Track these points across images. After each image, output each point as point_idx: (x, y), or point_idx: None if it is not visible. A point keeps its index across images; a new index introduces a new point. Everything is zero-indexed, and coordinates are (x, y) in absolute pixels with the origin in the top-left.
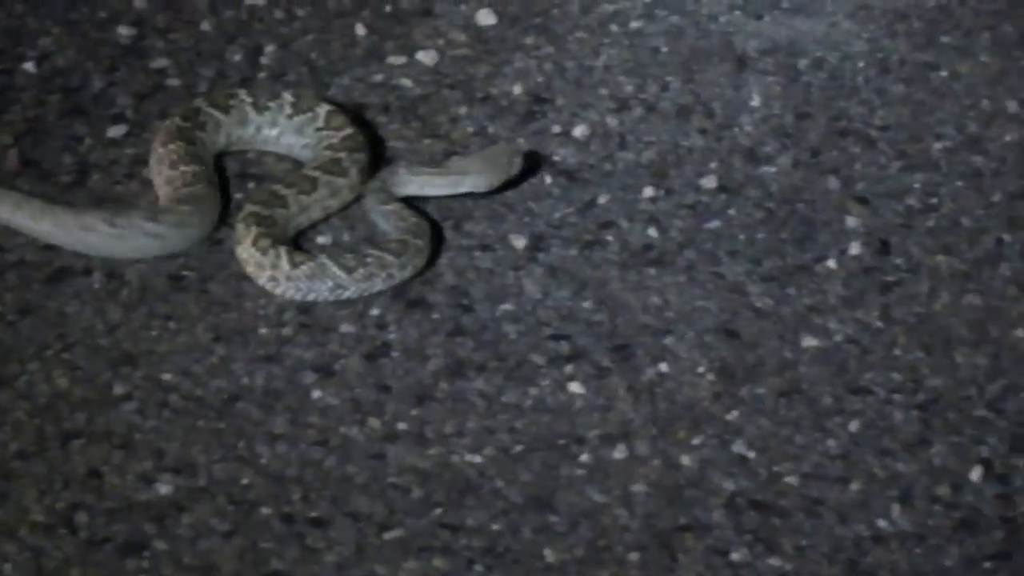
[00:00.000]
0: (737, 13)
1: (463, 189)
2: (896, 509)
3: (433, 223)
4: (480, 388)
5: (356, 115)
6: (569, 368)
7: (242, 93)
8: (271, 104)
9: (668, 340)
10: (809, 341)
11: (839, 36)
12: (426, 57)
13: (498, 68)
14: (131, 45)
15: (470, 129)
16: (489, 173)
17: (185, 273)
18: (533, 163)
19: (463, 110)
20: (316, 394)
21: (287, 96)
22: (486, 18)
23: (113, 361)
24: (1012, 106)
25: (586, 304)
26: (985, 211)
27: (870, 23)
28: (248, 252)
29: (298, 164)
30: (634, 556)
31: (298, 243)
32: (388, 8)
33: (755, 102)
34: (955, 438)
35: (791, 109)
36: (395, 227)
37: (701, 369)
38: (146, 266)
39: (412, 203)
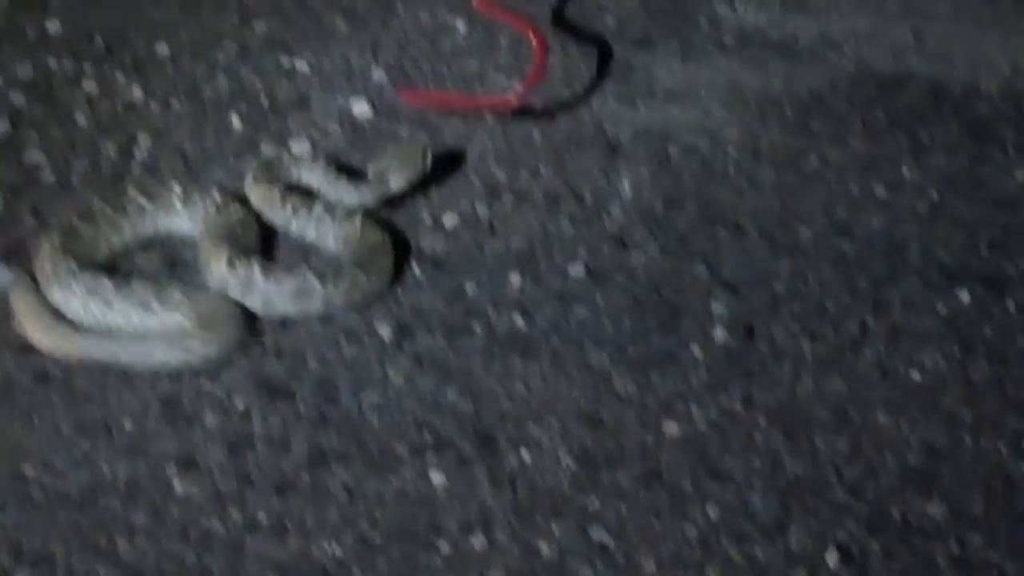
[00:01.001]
0: (611, 101)
1: (387, 189)
2: None
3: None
4: (342, 478)
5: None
6: (432, 457)
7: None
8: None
9: (531, 428)
10: (671, 427)
11: (712, 123)
12: (298, 147)
13: (371, 157)
14: (5, 140)
15: None
16: (406, 170)
17: (50, 369)
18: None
19: None
20: (178, 486)
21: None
22: (361, 110)
23: None
24: (880, 191)
25: (451, 393)
26: (851, 296)
27: (742, 111)
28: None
29: None
30: None
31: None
32: (263, 100)
33: (625, 189)
34: (813, 522)
35: (661, 196)
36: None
37: (563, 456)
38: (11, 361)
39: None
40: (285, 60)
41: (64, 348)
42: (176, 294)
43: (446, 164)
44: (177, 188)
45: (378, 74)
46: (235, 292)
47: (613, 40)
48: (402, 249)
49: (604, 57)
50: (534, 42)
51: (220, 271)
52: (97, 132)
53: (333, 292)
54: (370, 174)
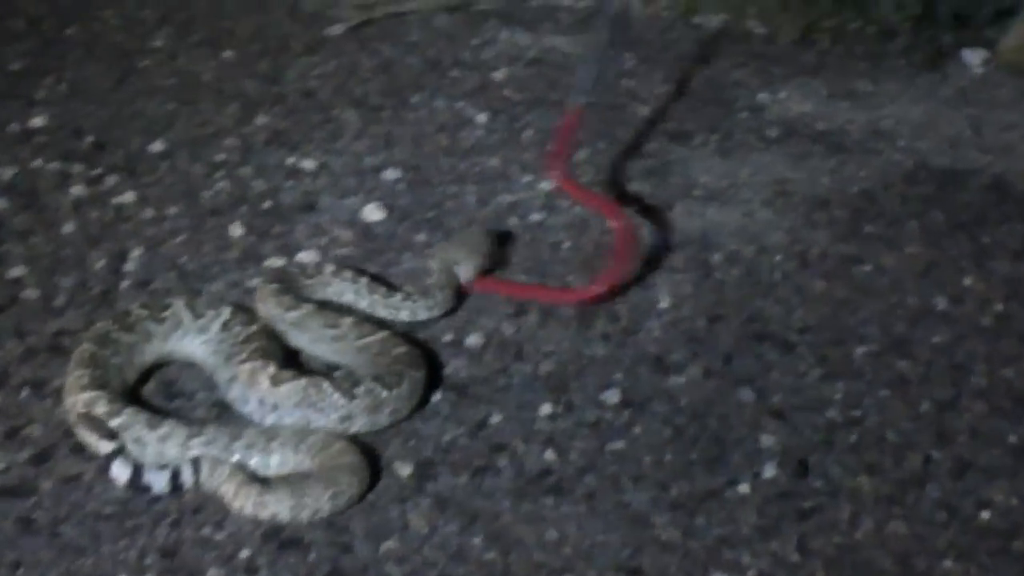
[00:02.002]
0: (646, 203)
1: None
2: None
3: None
4: None
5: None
6: None
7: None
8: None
9: None
10: None
11: (755, 227)
12: (308, 258)
13: (385, 269)
14: None
15: None
16: (475, 256)
17: (36, 515)
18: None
19: None
20: None
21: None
22: (373, 214)
23: None
24: (941, 303)
25: (476, 540)
26: (912, 424)
27: (789, 212)
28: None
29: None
30: None
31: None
32: (267, 205)
33: (663, 303)
34: None
35: (702, 310)
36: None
37: None
38: None
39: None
40: (290, 158)
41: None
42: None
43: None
44: (182, 305)
45: (392, 173)
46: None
47: (647, 132)
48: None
49: (637, 152)
50: (617, 229)
51: (262, 389)
52: (85, 242)
53: (354, 407)
54: (435, 268)
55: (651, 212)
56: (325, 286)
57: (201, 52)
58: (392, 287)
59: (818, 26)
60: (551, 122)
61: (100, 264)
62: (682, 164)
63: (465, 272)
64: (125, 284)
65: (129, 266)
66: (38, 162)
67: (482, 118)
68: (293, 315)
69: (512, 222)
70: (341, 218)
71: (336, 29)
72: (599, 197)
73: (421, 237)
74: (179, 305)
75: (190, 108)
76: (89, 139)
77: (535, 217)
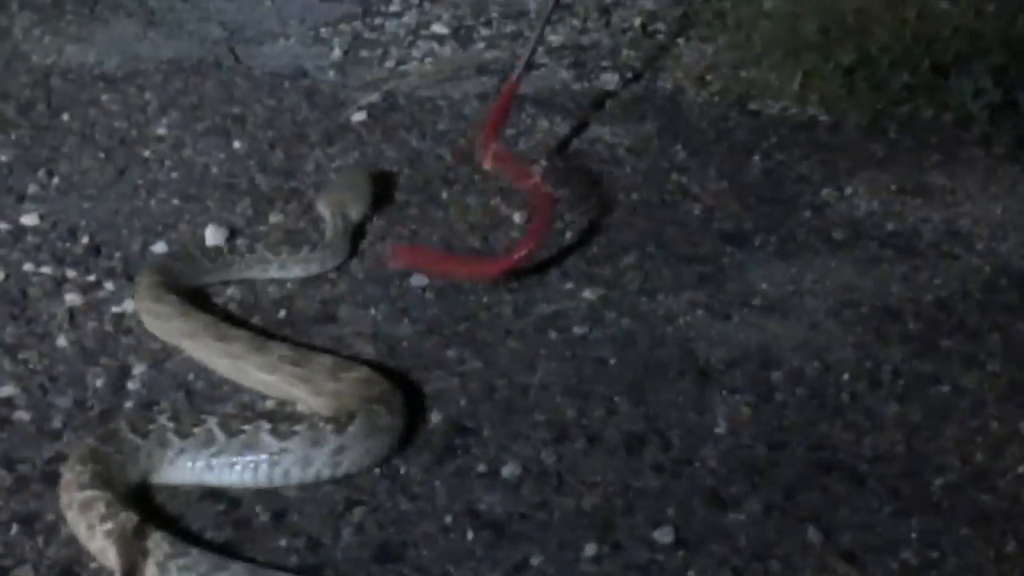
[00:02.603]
0: (699, 313)
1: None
2: None
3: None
4: None
5: None
6: None
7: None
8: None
9: None
10: None
11: (820, 340)
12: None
13: (413, 390)
14: None
15: (378, 471)
16: (362, 198)
17: None
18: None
19: None
20: None
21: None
22: (399, 327)
23: None
24: None
25: None
26: (996, 566)
27: (857, 324)
28: None
29: None
30: None
31: None
32: (281, 314)
33: (720, 428)
34: None
35: (763, 437)
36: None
37: None
38: None
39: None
40: None
41: None
42: None
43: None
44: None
45: (419, 280)
46: None
47: (701, 233)
48: (453, 506)
49: (690, 256)
50: (532, 195)
51: None
52: (82, 358)
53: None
54: (326, 212)
55: (706, 323)
56: (227, 268)
57: (209, 141)
58: (295, 244)
59: (888, 113)
60: (594, 222)
61: (99, 382)
62: (739, 269)
63: (356, 214)
64: (128, 405)
65: (132, 384)
66: (29, 266)
67: (518, 218)
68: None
69: (552, 336)
70: (363, 331)
71: (358, 115)
72: (516, 164)
73: (451, 354)
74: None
75: (196, 205)
76: (84, 240)
77: (578, 330)
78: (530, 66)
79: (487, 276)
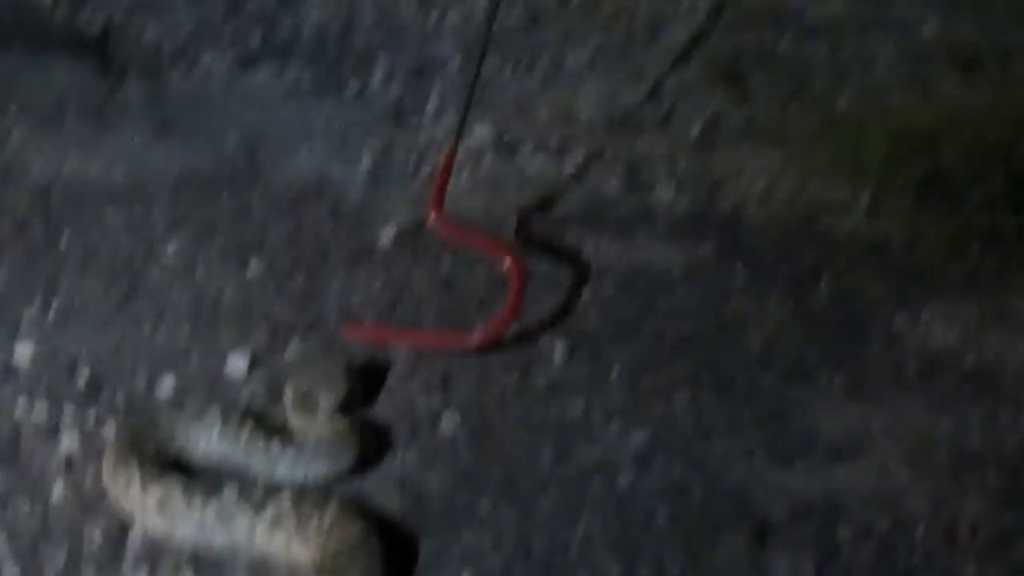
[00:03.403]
0: (758, 459)
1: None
2: None
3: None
4: None
5: None
6: None
7: None
8: None
9: None
10: None
11: (892, 491)
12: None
13: (442, 547)
14: None
15: None
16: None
17: None
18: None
19: None
20: None
21: None
22: (428, 476)
23: None
24: None
25: None
26: None
27: (932, 472)
28: None
29: None
30: None
31: None
32: None
33: None
34: None
35: None
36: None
37: None
38: None
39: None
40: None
41: None
42: None
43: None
44: None
45: (450, 421)
46: None
47: (760, 368)
48: None
49: (748, 394)
50: (510, 269)
51: None
52: (78, 511)
53: None
54: (290, 401)
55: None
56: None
57: (223, 265)
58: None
59: (968, 230)
60: (643, 356)
61: (95, 540)
62: (803, 410)
63: (325, 401)
64: (126, 566)
65: (131, 542)
66: (22, 405)
67: (560, 351)
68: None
69: (596, 485)
70: (388, 479)
71: (387, 237)
72: (482, 236)
73: (485, 506)
74: None
75: (208, 335)
76: (84, 376)
77: (624, 479)
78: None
79: (461, 349)
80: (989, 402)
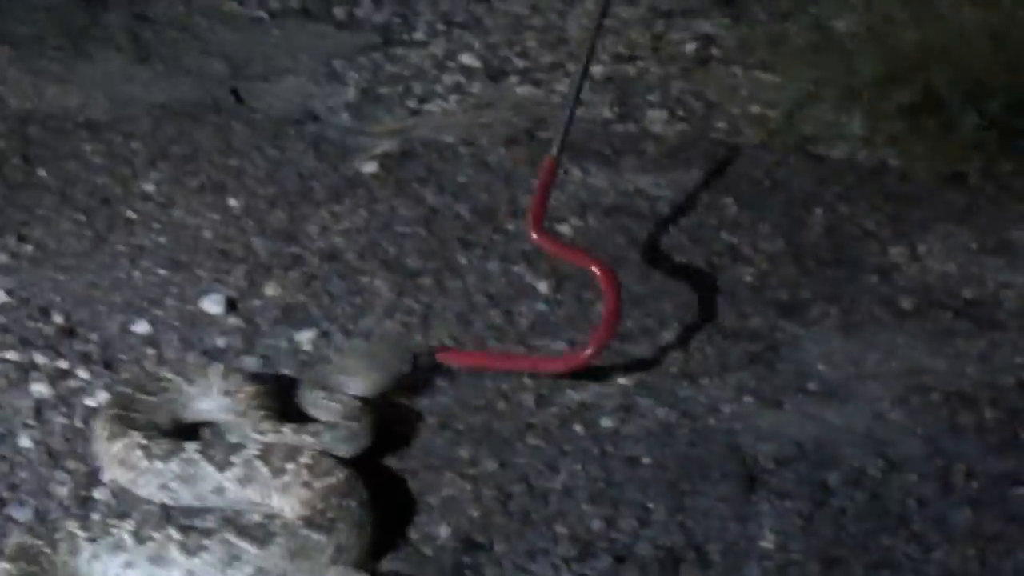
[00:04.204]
0: (747, 401)
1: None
2: None
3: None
4: None
5: None
6: None
7: None
8: None
9: None
10: None
11: (885, 434)
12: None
13: (420, 497)
14: None
15: None
16: (374, 374)
17: None
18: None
19: None
20: None
21: None
22: (411, 423)
23: None
24: None
25: None
26: None
27: (926, 413)
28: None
29: None
30: None
31: None
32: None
33: (767, 542)
34: None
35: (816, 552)
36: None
37: None
38: None
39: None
40: (305, 342)
41: None
42: None
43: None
44: None
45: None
46: None
47: (752, 303)
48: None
49: (738, 331)
50: (603, 283)
51: None
52: (47, 461)
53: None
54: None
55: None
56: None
57: (202, 200)
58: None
59: (966, 158)
60: (631, 292)
61: (64, 491)
62: (795, 347)
63: (354, 388)
64: (95, 518)
65: (99, 494)
66: None
67: (544, 287)
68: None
69: (578, 431)
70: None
71: (369, 166)
72: (577, 250)
73: (464, 453)
74: None
75: (185, 275)
76: (57, 320)
77: (607, 423)
78: (567, 132)
79: (551, 373)
80: (985, 336)
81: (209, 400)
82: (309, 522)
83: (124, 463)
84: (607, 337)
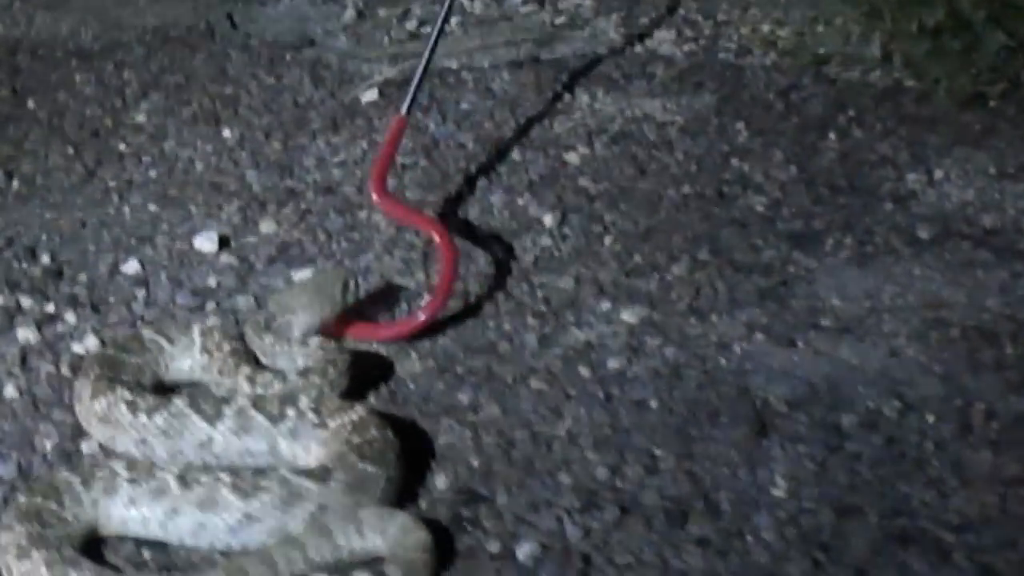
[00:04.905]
0: (758, 338)
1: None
2: None
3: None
4: None
5: None
6: None
7: None
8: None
9: None
10: None
11: (901, 372)
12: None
13: (417, 445)
14: None
15: None
16: (316, 307)
17: None
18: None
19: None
20: None
21: None
22: (403, 364)
23: None
24: None
25: None
26: None
27: (945, 349)
28: None
29: None
30: None
31: None
32: None
33: (779, 489)
34: None
35: (829, 500)
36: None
37: None
38: None
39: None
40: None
41: None
42: None
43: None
44: None
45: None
46: None
47: (763, 234)
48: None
49: (749, 265)
50: (441, 248)
51: None
52: (32, 413)
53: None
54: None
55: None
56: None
57: (195, 131)
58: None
59: (986, 78)
60: (638, 224)
61: (49, 444)
62: (808, 280)
63: (299, 325)
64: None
65: (88, 447)
66: None
67: (549, 219)
68: None
69: (583, 373)
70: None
71: (368, 94)
72: (418, 215)
73: (464, 397)
74: None
75: (176, 211)
76: (44, 260)
77: (614, 364)
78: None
79: (384, 339)
80: (1007, 267)
81: (190, 359)
82: (362, 455)
83: (106, 420)
84: (441, 304)
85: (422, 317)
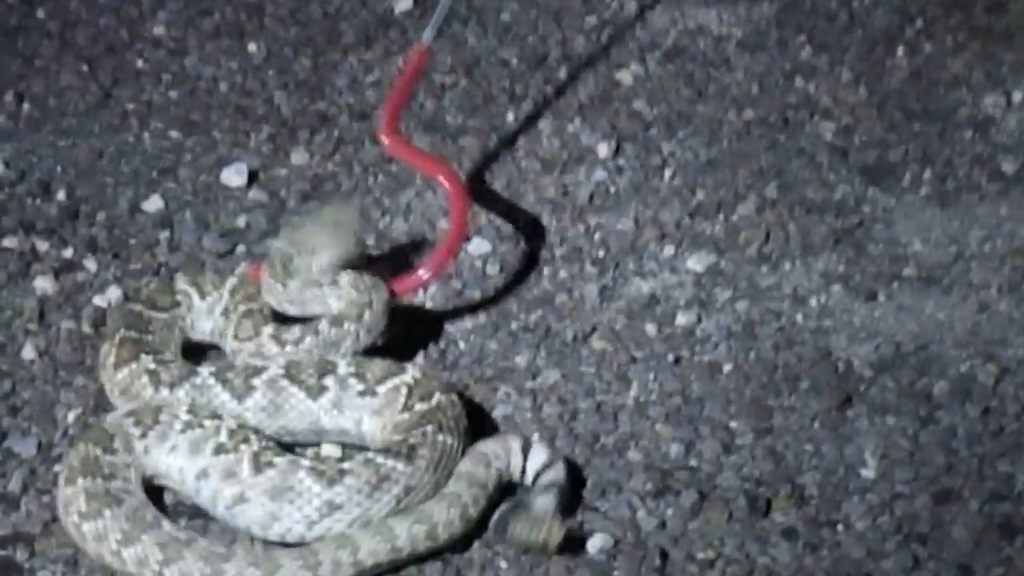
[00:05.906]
0: (836, 290)
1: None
2: None
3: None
4: None
5: None
6: None
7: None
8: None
9: None
10: None
11: (993, 331)
12: None
13: (472, 418)
14: None
15: None
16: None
17: None
18: None
19: None
20: None
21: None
22: (453, 318)
23: None
24: None
25: None
26: None
27: None
28: None
29: None
30: None
31: None
32: None
33: (868, 470)
34: None
35: (924, 481)
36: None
37: None
38: None
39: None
40: None
41: None
42: None
43: None
44: None
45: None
46: None
47: (834, 168)
48: None
49: (821, 204)
50: (450, 195)
51: None
52: (53, 378)
53: None
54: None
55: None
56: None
57: (217, 46)
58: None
59: None
60: (698, 155)
61: (72, 415)
62: (886, 222)
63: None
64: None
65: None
66: None
67: (604, 149)
68: None
69: (649, 331)
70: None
71: (402, 3)
72: (430, 158)
73: (521, 361)
74: None
75: (199, 139)
76: (60, 196)
77: (682, 320)
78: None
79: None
80: None
81: (211, 321)
82: (441, 428)
83: (127, 393)
84: (448, 256)
85: (427, 274)
